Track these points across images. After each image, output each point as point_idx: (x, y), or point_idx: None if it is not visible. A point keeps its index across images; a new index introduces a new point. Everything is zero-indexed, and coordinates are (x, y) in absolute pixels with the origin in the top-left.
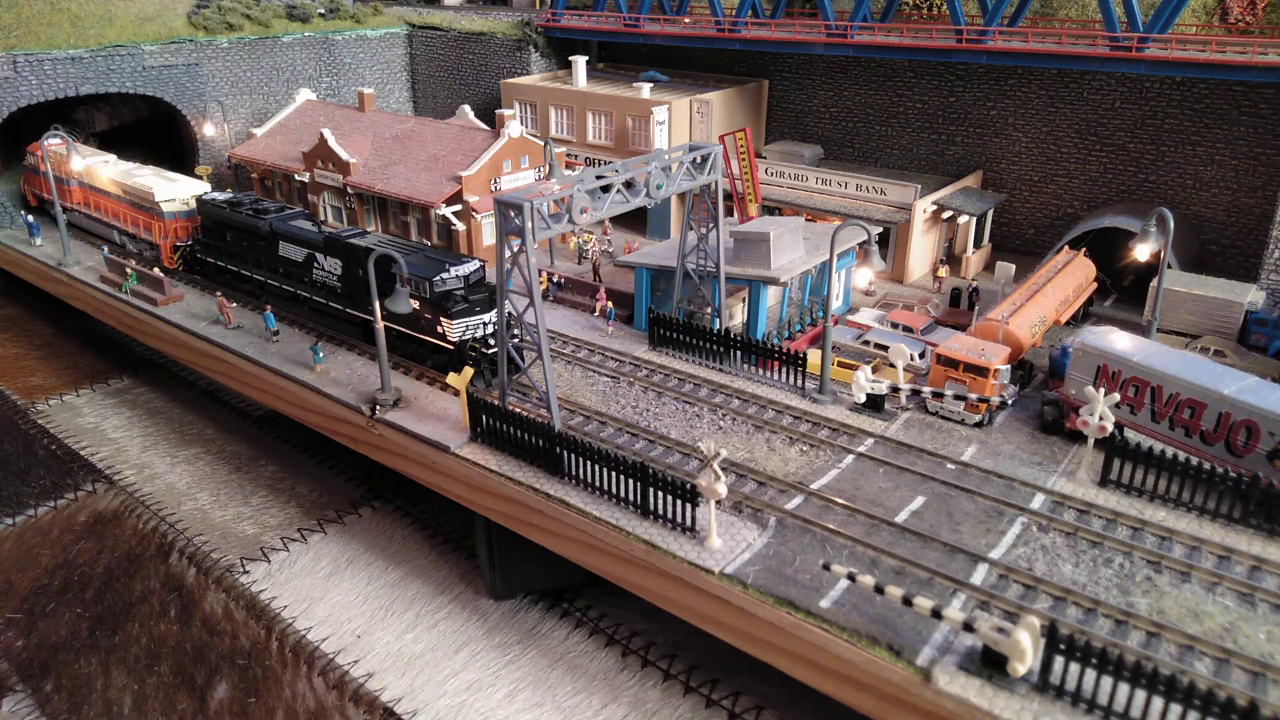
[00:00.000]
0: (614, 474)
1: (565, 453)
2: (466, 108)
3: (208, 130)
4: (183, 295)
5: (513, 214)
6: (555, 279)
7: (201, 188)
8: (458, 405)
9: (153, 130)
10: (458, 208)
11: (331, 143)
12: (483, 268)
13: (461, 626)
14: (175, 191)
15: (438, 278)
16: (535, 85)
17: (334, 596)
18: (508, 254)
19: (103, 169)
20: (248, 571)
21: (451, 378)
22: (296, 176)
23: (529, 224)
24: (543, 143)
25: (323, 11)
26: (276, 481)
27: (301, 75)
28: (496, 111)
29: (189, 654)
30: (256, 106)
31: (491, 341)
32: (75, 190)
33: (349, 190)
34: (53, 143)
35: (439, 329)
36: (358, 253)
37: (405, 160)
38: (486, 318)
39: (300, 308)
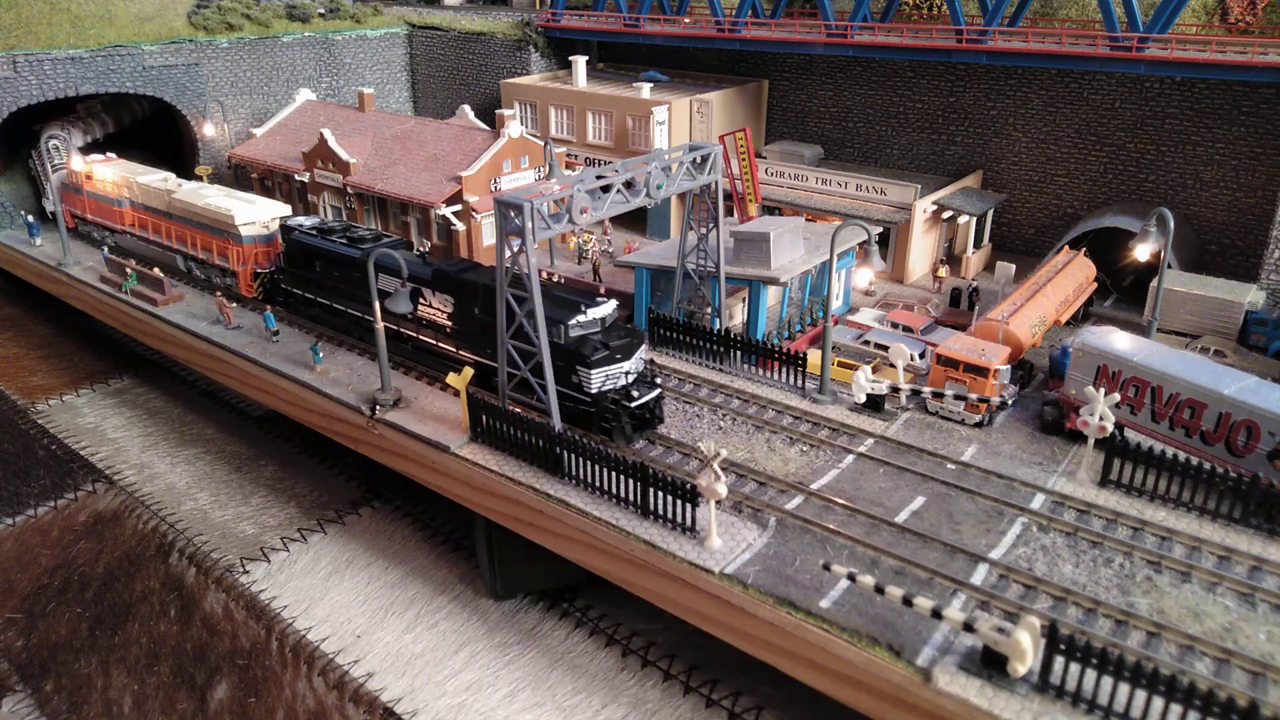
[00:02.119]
0: (614, 474)
1: (565, 453)
2: (466, 108)
3: (208, 130)
4: (183, 295)
5: (513, 214)
6: (555, 279)
7: (281, 210)
8: (458, 405)
9: (153, 130)
10: (458, 208)
11: (331, 143)
12: (618, 307)
13: (461, 626)
14: (254, 214)
15: (572, 321)
16: (535, 85)
17: (334, 596)
18: (507, 254)
19: (161, 188)
20: (248, 571)
21: (451, 378)
22: (296, 177)
23: (529, 224)
24: (543, 143)
25: (323, 11)
26: (276, 481)
27: (301, 75)
28: (496, 111)
29: (189, 654)
30: (256, 106)
31: (635, 393)
32: (126, 212)
33: (349, 190)
34: (95, 159)
35: (574, 379)
36: (472, 289)
37: (405, 160)
38: (628, 365)
39: (403, 347)
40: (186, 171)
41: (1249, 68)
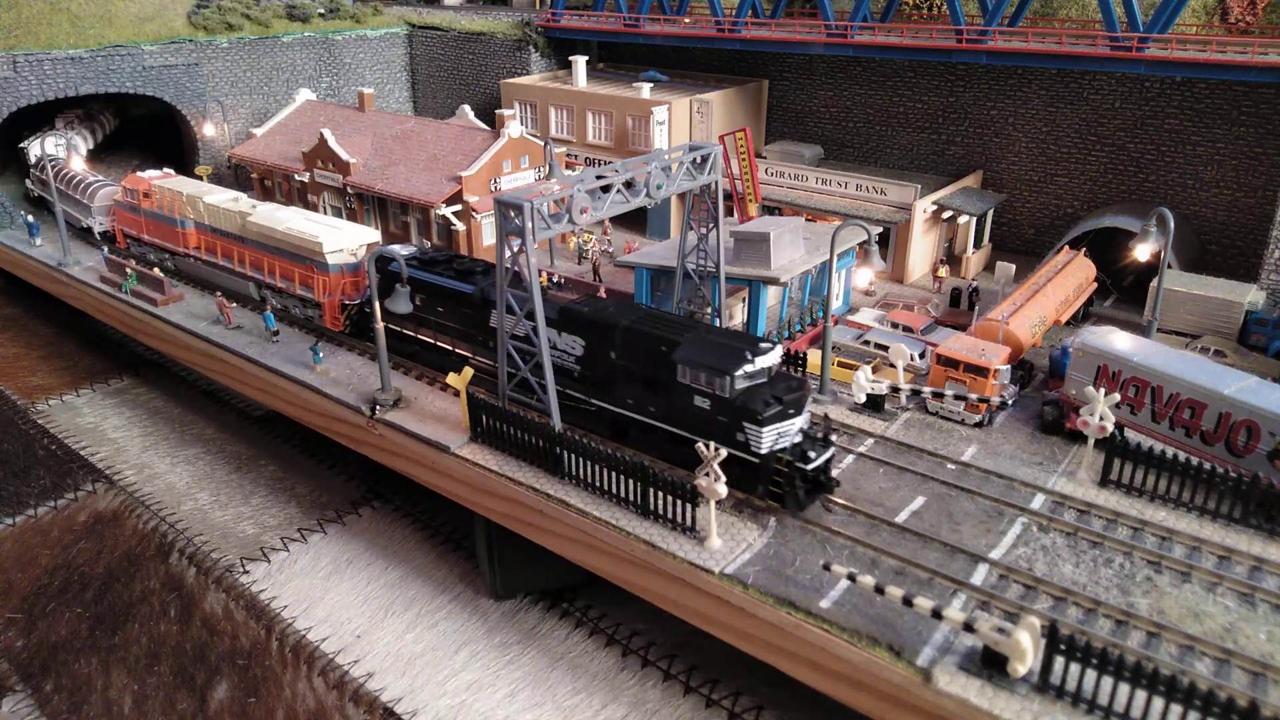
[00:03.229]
0: (614, 474)
1: (565, 453)
2: (466, 108)
3: (208, 130)
4: (183, 295)
5: (513, 214)
6: (555, 279)
7: (369, 236)
8: (458, 405)
9: (153, 130)
10: (458, 208)
11: (331, 143)
12: (783, 351)
13: (461, 626)
14: (342, 241)
15: (739, 372)
16: (535, 85)
17: (334, 596)
18: (507, 254)
19: (232, 209)
20: (248, 571)
21: (451, 378)
22: (296, 176)
23: (529, 224)
24: (543, 143)
25: (323, 11)
26: (276, 481)
27: (301, 75)
28: (496, 111)
29: (189, 654)
30: (256, 106)
31: (812, 454)
32: (190, 234)
33: (349, 190)
34: (153, 175)
35: (739, 437)
36: (607, 331)
37: (405, 160)
38: (800, 420)
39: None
40: (186, 171)
41: (1249, 68)
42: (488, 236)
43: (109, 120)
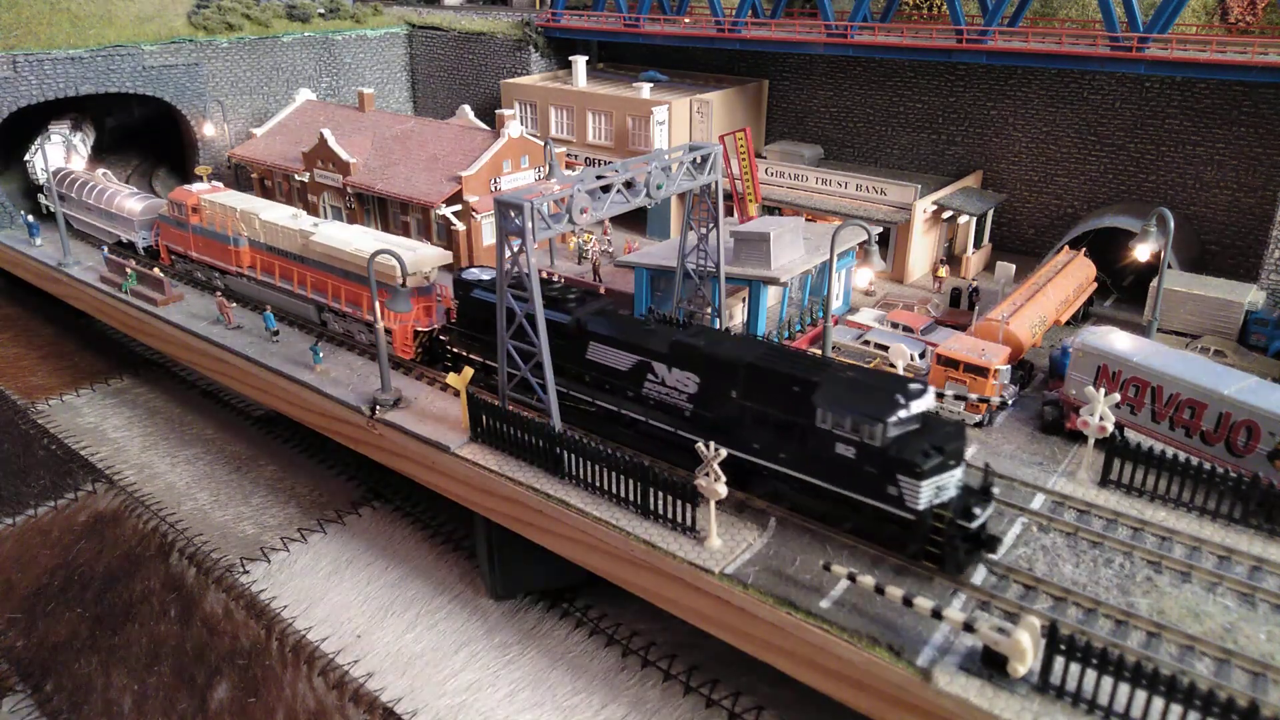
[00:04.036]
0: (614, 474)
1: (565, 453)
2: (466, 108)
3: (208, 130)
4: (183, 295)
5: (513, 214)
6: (555, 279)
7: (443, 256)
8: (458, 405)
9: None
10: (458, 208)
11: (331, 143)
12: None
13: (461, 626)
14: (416, 263)
15: (892, 418)
16: (535, 85)
17: (334, 596)
18: (507, 254)
19: (292, 227)
20: (248, 571)
21: (451, 378)
22: (296, 177)
23: (529, 224)
24: (543, 143)
25: (323, 11)
26: (276, 481)
27: (301, 75)
28: (496, 111)
29: (189, 654)
30: (256, 106)
31: (977, 510)
32: (244, 252)
33: (349, 190)
34: (201, 188)
35: (891, 491)
36: (730, 367)
37: (405, 160)
38: (960, 471)
39: (624, 431)
40: (186, 172)
41: (1249, 68)
42: (488, 237)
43: (89, 130)
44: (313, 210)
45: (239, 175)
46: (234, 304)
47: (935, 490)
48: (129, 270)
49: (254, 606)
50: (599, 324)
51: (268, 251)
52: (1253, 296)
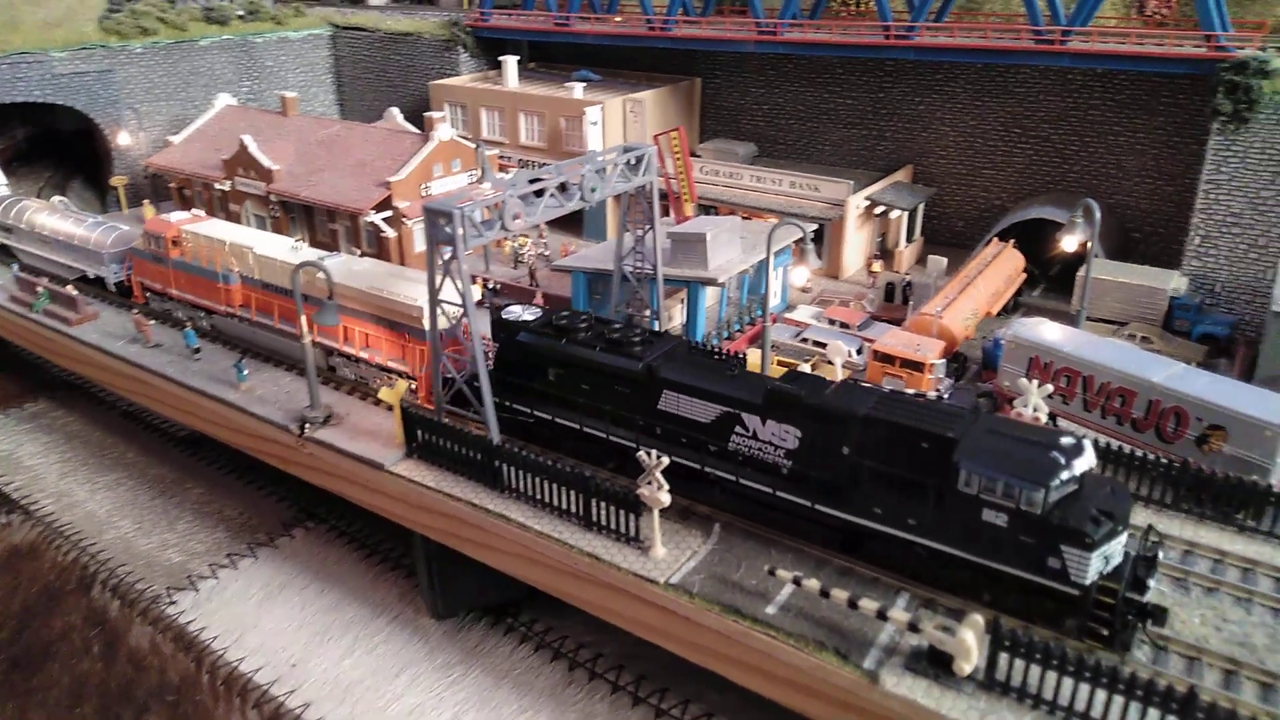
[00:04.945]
0: (555, 486)
1: (504, 466)
2: (395, 110)
3: (122, 139)
4: (98, 314)
5: (442, 222)
6: (490, 285)
7: (473, 294)
8: (392, 420)
9: (64, 140)
10: (388, 214)
11: (253, 149)
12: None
13: (402, 648)
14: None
15: (1054, 481)
16: (465, 86)
17: (267, 624)
18: (438, 263)
19: (294, 262)
20: (175, 602)
21: (384, 392)
22: (217, 185)
23: (459, 232)
24: (474, 145)
25: (241, 13)
26: (203, 505)
27: (220, 80)
28: (426, 114)
29: (114, 692)
30: (174, 113)
31: (1151, 581)
32: (235, 290)
33: (272, 198)
34: (180, 218)
35: (1052, 563)
36: (837, 420)
37: (331, 166)
38: (1125, 536)
39: (706, 490)
40: (102, 184)
41: (1166, 59)
42: (419, 244)
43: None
44: (234, 219)
45: (156, 185)
46: (210, 341)
47: (1103, 561)
48: (40, 289)
49: (182, 638)
50: (674, 370)
51: (264, 290)
52: (1176, 283)
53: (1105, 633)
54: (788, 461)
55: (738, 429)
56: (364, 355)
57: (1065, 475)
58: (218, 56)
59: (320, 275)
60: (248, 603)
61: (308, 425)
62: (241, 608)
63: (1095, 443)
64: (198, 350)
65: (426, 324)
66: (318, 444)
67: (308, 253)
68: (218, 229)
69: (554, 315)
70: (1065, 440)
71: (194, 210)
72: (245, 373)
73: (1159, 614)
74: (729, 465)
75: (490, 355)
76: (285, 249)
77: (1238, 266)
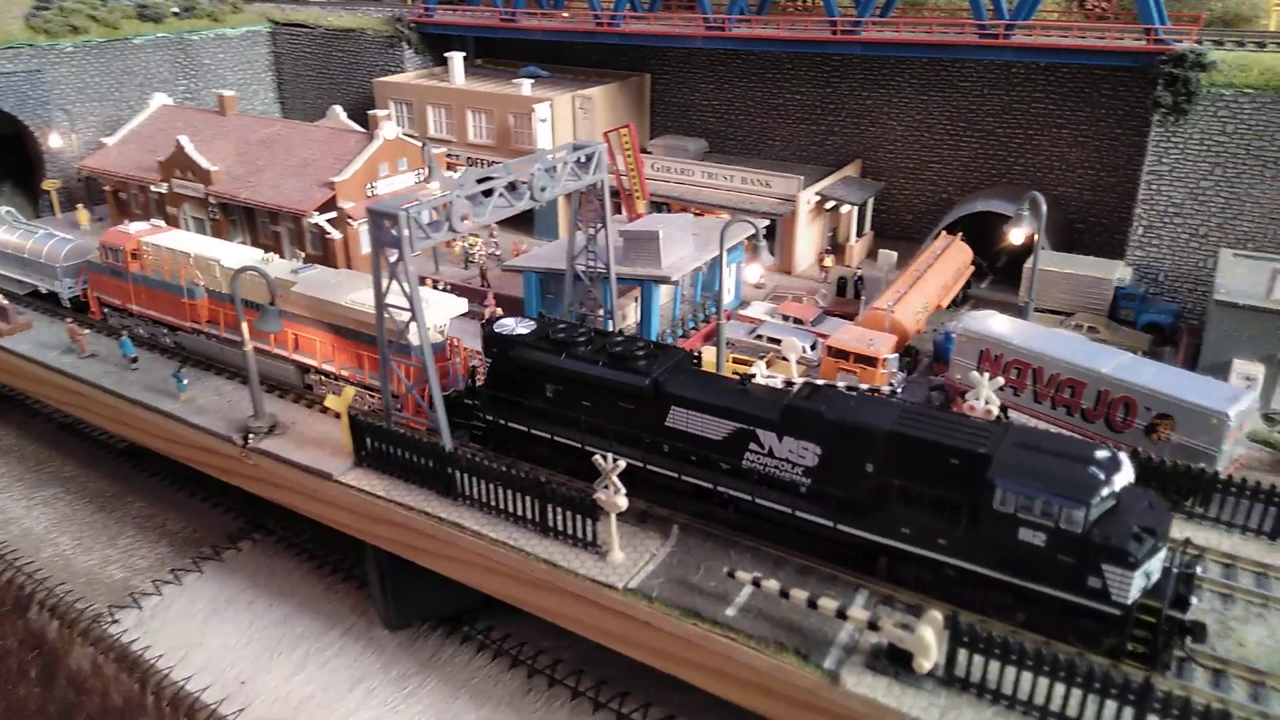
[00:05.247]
0: (510, 492)
1: (458, 473)
2: (338, 108)
3: (54, 141)
4: (30, 323)
5: (387, 224)
6: (440, 286)
7: (454, 306)
8: (340, 428)
9: None
10: (332, 215)
11: (190, 150)
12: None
13: (355, 661)
14: (429, 316)
15: (1095, 499)
16: (410, 83)
17: (214, 640)
18: (385, 266)
19: (268, 274)
20: (117, 621)
21: (330, 399)
22: (154, 188)
23: (405, 234)
24: (420, 144)
25: (177, 10)
26: (145, 519)
27: (156, 79)
28: (370, 112)
29: (54, 718)
30: (107, 114)
31: (1194, 598)
32: (201, 305)
33: (211, 201)
34: (139, 228)
35: (1092, 582)
36: (861, 436)
37: (273, 166)
38: (1164, 552)
39: (715, 509)
40: (33, 187)
41: (1107, 52)
42: (366, 245)
43: None
44: (172, 222)
45: (90, 188)
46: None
47: (1145, 579)
48: None
49: (126, 659)
50: (681, 385)
51: (234, 304)
52: (1121, 273)
53: (1145, 651)
54: (806, 479)
55: (752, 446)
56: (345, 373)
57: (1105, 491)
58: (152, 55)
59: (261, 278)
60: (193, 619)
61: (251, 435)
62: (187, 625)
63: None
64: (135, 360)
65: (413, 339)
66: (262, 454)
67: (280, 265)
68: (181, 240)
69: (550, 329)
70: (1101, 454)
71: (153, 220)
72: (185, 382)
73: (1199, 631)
74: (743, 484)
75: (482, 371)
76: (256, 261)
77: (1180, 256)
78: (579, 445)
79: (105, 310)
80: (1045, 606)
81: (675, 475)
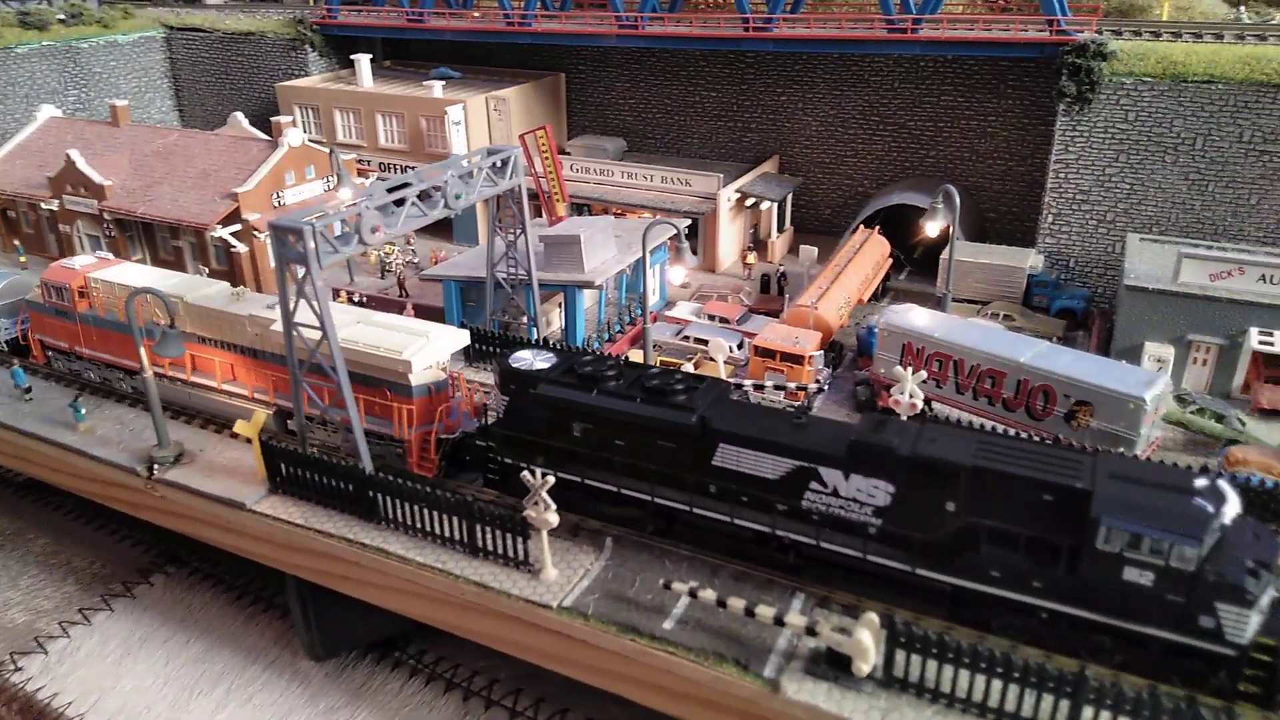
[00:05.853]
0: (436, 513)
1: (379, 496)
2: (239, 115)
3: None
4: None
5: (292, 239)
6: (356, 298)
7: (461, 339)
8: (251, 454)
9: None
10: (236, 228)
11: (80, 164)
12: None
13: (280, 696)
14: (430, 353)
15: (1208, 533)
16: (316, 87)
17: (128, 683)
18: (292, 282)
19: (236, 313)
20: (20, 668)
21: (240, 425)
22: (44, 205)
23: (312, 247)
24: (328, 150)
25: (63, 17)
26: (49, 556)
27: (43, 89)
28: (273, 118)
29: None
30: None
31: None
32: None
33: (106, 217)
34: (85, 263)
35: (1204, 621)
36: (941, 472)
37: (170, 178)
38: (1274, 584)
39: (770, 553)
40: None
41: (1012, 44)
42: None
43: None
44: (66, 241)
45: None
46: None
47: (1261, 615)
48: None
49: (31, 708)
50: (729, 420)
51: (200, 344)
52: (1033, 260)
53: (1260, 691)
54: (877, 520)
55: (813, 485)
56: (326, 416)
57: (1216, 525)
58: (38, 64)
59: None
60: (105, 661)
61: (157, 466)
62: (98, 667)
63: (969, 424)
64: (28, 390)
65: (414, 379)
66: (169, 485)
67: (254, 303)
68: (133, 274)
69: (574, 361)
70: (1200, 482)
71: (99, 253)
72: (83, 412)
73: None
74: (805, 526)
75: (499, 411)
76: (225, 298)
77: (1089, 242)
78: (614, 489)
79: (49, 354)
80: (1148, 647)
81: (726, 519)
